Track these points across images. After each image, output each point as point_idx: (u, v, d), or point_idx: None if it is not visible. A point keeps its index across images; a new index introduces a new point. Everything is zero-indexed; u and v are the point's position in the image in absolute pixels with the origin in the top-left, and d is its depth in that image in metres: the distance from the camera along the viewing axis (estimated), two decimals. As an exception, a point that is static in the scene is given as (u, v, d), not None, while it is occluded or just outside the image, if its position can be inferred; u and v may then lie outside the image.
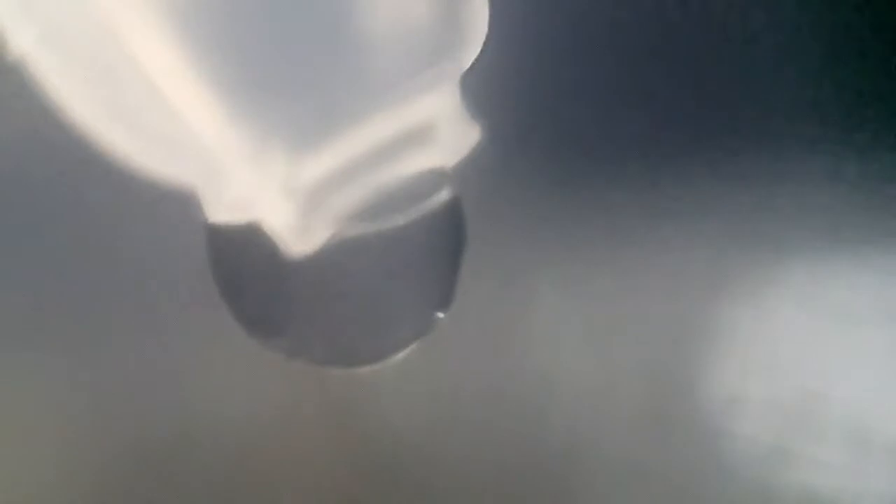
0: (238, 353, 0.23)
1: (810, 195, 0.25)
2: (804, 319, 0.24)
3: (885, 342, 0.24)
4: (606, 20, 0.25)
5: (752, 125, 0.25)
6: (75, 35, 0.18)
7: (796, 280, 0.25)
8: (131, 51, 0.18)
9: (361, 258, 0.21)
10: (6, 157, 0.23)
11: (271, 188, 0.19)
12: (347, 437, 0.24)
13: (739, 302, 0.24)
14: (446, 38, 0.19)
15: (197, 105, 0.18)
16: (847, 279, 0.25)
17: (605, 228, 0.24)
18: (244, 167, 0.19)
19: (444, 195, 0.22)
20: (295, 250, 0.20)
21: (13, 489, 0.23)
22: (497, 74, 0.21)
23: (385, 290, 0.23)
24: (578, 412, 0.24)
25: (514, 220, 0.24)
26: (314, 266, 0.21)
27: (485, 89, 0.20)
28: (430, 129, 0.20)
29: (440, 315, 0.23)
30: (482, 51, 0.20)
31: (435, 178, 0.21)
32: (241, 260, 0.22)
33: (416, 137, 0.20)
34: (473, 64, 0.20)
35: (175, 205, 0.20)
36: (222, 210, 0.20)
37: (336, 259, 0.21)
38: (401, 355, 0.23)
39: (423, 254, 0.22)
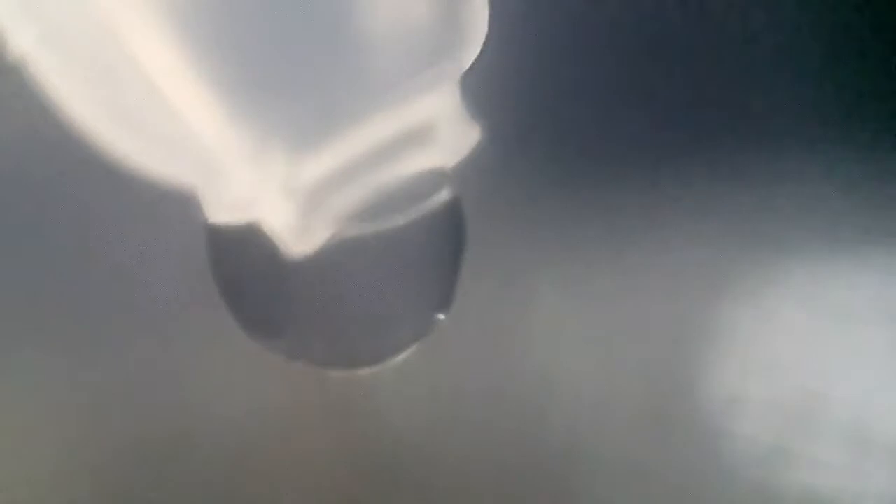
0: (238, 354, 0.23)
1: (810, 195, 0.25)
2: (804, 319, 0.24)
3: (885, 342, 0.24)
4: (606, 20, 0.25)
5: (751, 125, 0.25)
6: (75, 35, 0.18)
7: (796, 280, 0.25)
8: (131, 51, 0.17)
9: (361, 259, 0.21)
10: (6, 157, 0.23)
11: (271, 188, 0.19)
12: (347, 437, 0.24)
13: (739, 302, 0.24)
14: (446, 38, 0.19)
15: (197, 105, 0.18)
16: (847, 279, 0.25)
17: (605, 228, 0.24)
18: (244, 167, 0.19)
19: (444, 195, 0.22)
20: (295, 251, 0.20)
21: (13, 489, 0.23)
22: (497, 74, 0.21)
23: (385, 291, 0.23)
24: (578, 412, 0.24)
25: (514, 220, 0.24)
26: (314, 267, 0.21)
27: (485, 89, 0.20)
28: (430, 130, 0.20)
29: (440, 317, 0.23)
30: (482, 51, 0.20)
31: (435, 179, 0.21)
32: (240, 261, 0.22)
33: (416, 137, 0.20)
34: (473, 64, 0.20)
35: (175, 205, 0.20)
36: (222, 210, 0.20)
37: (336, 259, 0.21)
38: (401, 357, 0.23)
39: (423, 254, 0.22)
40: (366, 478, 0.24)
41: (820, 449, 0.24)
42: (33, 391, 0.24)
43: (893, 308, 0.24)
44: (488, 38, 0.20)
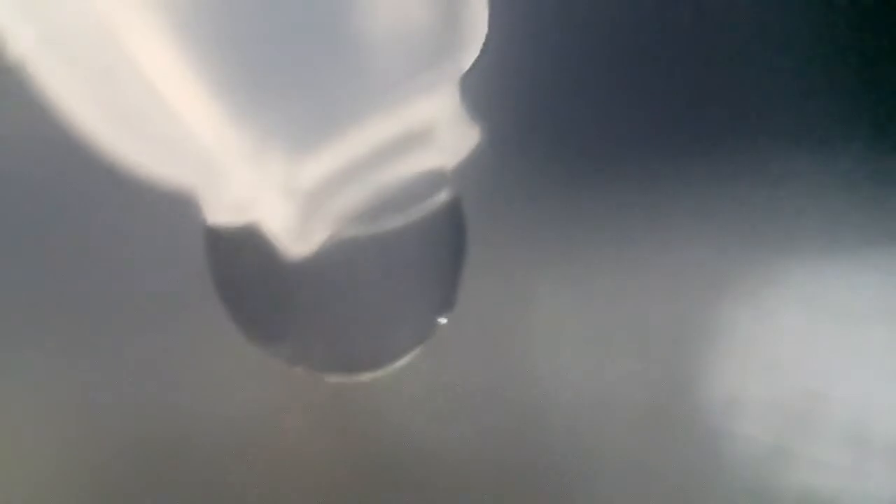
0: (238, 354, 0.23)
1: (810, 195, 0.25)
2: (804, 319, 0.24)
3: (885, 342, 0.24)
4: (606, 20, 0.25)
5: (751, 125, 0.25)
6: (75, 35, 0.18)
7: (796, 280, 0.25)
8: (131, 51, 0.17)
9: (361, 260, 0.21)
10: (6, 157, 0.23)
11: (271, 189, 0.19)
12: (347, 437, 0.24)
13: (739, 302, 0.24)
14: (446, 39, 0.19)
15: (196, 105, 0.18)
16: (847, 279, 0.24)
17: (605, 228, 0.24)
18: (244, 168, 0.19)
19: (444, 196, 0.22)
20: (294, 252, 0.20)
21: (12, 489, 0.23)
22: (497, 74, 0.21)
23: (385, 293, 0.23)
24: (578, 412, 0.24)
25: (514, 220, 0.24)
26: (313, 268, 0.21)
27: (485, 90, 0.20)
28: (430, 130, 0.20)
29: (442, 320, 0.23)
30: (482, 51, 0.20)
31: (435, 179, 0.21)
32: (240, 262, 0.22)
33: (416, 138, 0.20)
34: (473, 64, 0.20)
35: (175, 205, 0.20)
36: (222, 211, 0.20)
37: (335, 261, 0.21)
38: (402, 362, 0.23)
39: (423, 256, 0.22)
40: (366, 478, 0.24)
41: (820, 449, 0.24)
42: (32, 391, 0.24)
43: (893, 308, 0.24)
44: (488, 38, 0.20)
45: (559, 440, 0.24)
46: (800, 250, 0.25)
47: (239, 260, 0.22)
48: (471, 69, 0.20)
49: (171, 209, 0.20)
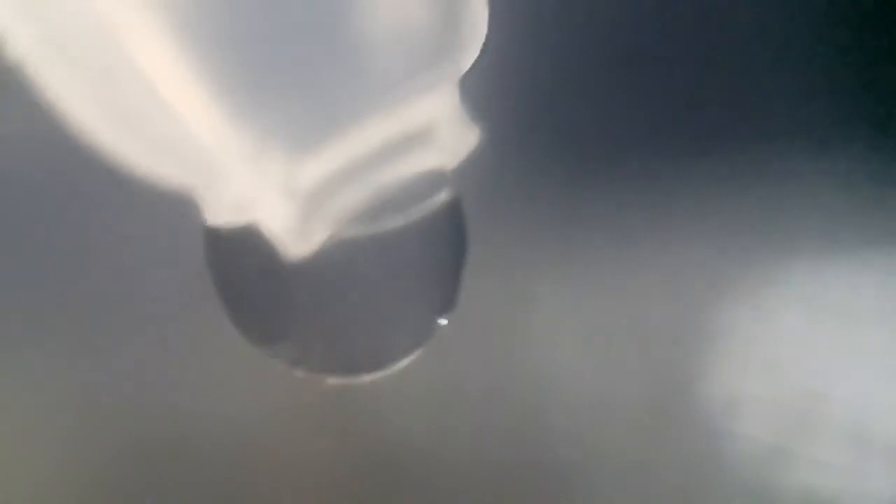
0: (238, 355, 0.23)
1: (810, 195, 0.25)
2: (804, 319, 0.24)
3: (885, 342, 0.24)
4: (606, 20, 0.25)
5: (751, 125, 0.25)
6: (75, 35, 0.18)
7: (796, 280, 0.25)
8: (131, 51, 0.17)
9: (361, 260, 0.21)
10: (6, 157, 0.23)
11: (271, 189, 0.19)
12: (348, 438, 0.24)
13: (739, 302, 0.24)
14: (446, 39, 0.19)
15: (196, 105, 0.18)
16: (847, 279, 0.24)
17: (605, 228, 0.24)
18: (244, 168, 0.19)
19: (444, 196, 0.22)
20: (294, 252, 0.20)
21: (12, 489, 0.23)
22: (497, 74, 0.21)
23: (385, 293, 0.23)
24: (578, 412, 0.24)
25: (514, 220, 0.24)
26: (313, 268, 0.21)
27: (485, 90, 0.20)
28: (430, 131, 0.20)
29: (442, 322, 0.23)
30: (482, 51, 0.20)
31: (435, 180, 0.21)
32: (240, 262, 0.22)
33: (416, 139, 0.20)
34: (473, 64, 0.20)
35: (175, 205, 0.20)
36: (222, 211, 0.20)
37: (335, 261, 0.21)
38: (402, 363, 0.23)
39: (423, 256, 0.22)
40: (366, 478, 0.24)
41: (820, 449, 0.24)
42: (33, 391, 0.24)
43: (893, 308, 0.24)
44: (488, 38, 0.20)
45: (559, 440, 0.24)
46: (800, 250, 0.25)
47: (239, 260, 0.22)
48: (471, 69, 0.20)
49: (171, 209, 0.20)
